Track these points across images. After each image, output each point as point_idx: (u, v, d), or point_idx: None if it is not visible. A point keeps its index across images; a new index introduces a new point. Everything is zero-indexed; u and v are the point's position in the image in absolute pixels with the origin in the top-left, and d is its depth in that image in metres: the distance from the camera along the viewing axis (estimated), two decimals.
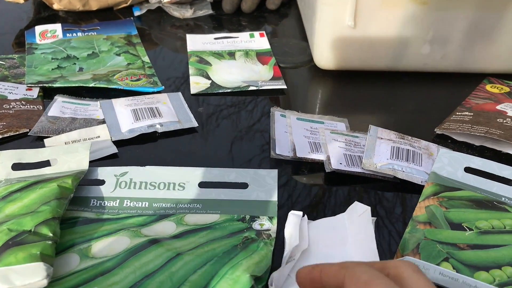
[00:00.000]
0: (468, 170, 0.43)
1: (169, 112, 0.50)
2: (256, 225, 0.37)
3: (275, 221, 0.37)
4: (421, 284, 0.24)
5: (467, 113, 0.51)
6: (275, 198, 0.40)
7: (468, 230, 0.37)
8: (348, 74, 0.59)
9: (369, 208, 0.36)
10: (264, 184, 0.40)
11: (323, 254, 0.35)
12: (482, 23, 0.55)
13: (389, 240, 0.39)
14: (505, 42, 0.56)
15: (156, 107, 0.50)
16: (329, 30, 0.56)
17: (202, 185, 0.41)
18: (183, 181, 0.41)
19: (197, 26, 0.72)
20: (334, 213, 0.40)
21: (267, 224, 0.37)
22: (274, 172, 0.41)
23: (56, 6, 0.71)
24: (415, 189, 0.43)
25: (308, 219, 0.38)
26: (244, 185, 0.40)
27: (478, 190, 0.41)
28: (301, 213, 0.38)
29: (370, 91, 0.57)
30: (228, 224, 0.37)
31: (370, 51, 0.57)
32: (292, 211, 0.38)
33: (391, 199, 0.42)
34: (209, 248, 0.34)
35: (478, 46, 0.57)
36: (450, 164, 0.43)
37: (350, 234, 0.36)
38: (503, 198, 0.40)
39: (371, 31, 0.55)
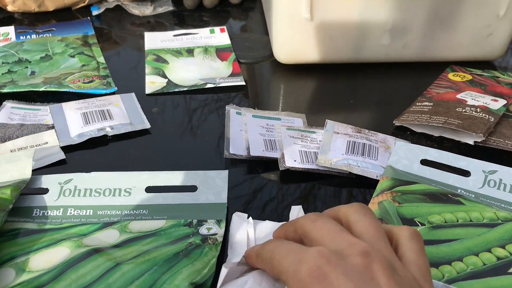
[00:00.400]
0: (424, 162, 0.42)
1: (120, 114, 0.48)
2: (203, 230, 0.35)
3: (223, 224, 0.36)
4: (365, 224, 0.26)
5: (427, 103, 0.50)
6: (224, 200, 0.38)
7: (420, 225, 0.35)
8: (309, 68, 0.58)
9: (300, 206, 0.37)
10: (213, 186, 0.39)
11: None
12: (442, 10, 0.54)
13: None
14: (466, 29, 0.55)
15: (107, 110, 0.48)
16: (286, 24, 0.54)
17: (149, 189, 0.39)
18: (129, 186, 0.39)
19: (158, 23, 0.70)
20: (288, 211, 0.38)
21: (214, 228, 0.36)
22: (225, 173, 0.40)
23: (10, 8, 0.68)
24: (372, 184, 0.41)
25: (260, 219, 0.37)
26: (193, 188, 0.39)
27: (433, 183, 0.40)
28: (245, 215, 0.37)
29: (332, 84, 0.56)
30: (174, 230, 0.36)
31: (329, 44, 0.55)
32: (236, 213, 0.37)
33: (347, 196, 0.41)
34: (150, 256, 0.32)
35: (439, 34, 0.56)
36: (406, 157, 0.42)
37: None
38: (458, 190, 0.39)
39: (329, 23, 0.54)
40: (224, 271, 0.28)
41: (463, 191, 0.39)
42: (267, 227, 0.35)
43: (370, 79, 0.57)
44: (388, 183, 0.39)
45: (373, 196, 0.39)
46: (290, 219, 0.37)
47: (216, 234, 0.35)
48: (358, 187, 0.42)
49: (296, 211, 0.36)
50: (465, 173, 0.41)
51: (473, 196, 0.39)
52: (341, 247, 0.24)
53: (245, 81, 0.55)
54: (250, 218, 0.36)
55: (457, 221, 0.36)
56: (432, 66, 0.58)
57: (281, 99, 0.54)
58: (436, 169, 0.41)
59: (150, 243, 0.34)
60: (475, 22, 0.55)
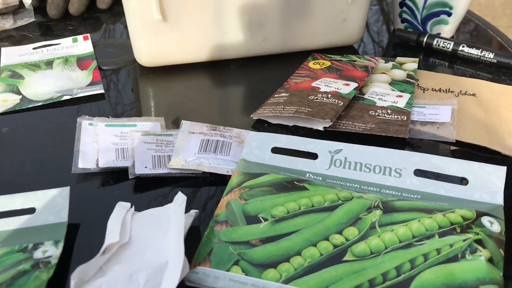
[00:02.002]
0: (277, 150, 0.42)
1: None
2: (38, 254, 0.34)
3: (61, 244, 0.35)
4: None
5: (283, 94, 0.50)
6: (65, 219, 0.37)
7: (263, 221, 0.35)
8: (173, 69, 0.57)
9: (185, 198, 0.35)
10: (54, 206, 0.37)
11: (142, 245, 0.34)
12: (294, 0, 0.55)
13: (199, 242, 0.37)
14: (321, 16, 0.57)
15: None
16: (141, 26, 0.53)
17: None
18: None
19: (22, 36, 0.67)
20: None
21: (50, 250, 0.34)
22: (66, 190, 0.38)
23: None
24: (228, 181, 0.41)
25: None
26: (31, 210, 0.37)
27: (283, 171, 0.40)
28: (128, 204, 0.37)
29: (196, 84, 0.56)
30: (6, 258, 0.33)
31: (189, 44, 0.55)
32: (120, 202, 0.36)
33: (201, 197, 0.41)
34: None
35: (296, 24, 0.57)
36: (258, 147, 0.42)
37: (172, 225, 0.35)
38: (307, 175, 0.40)
39: (184, 23, 0.53)
40: (72, 282, 0.29)
41: (311, 175, 0.40)
42: (147, 216, 0.36)
43: (234, 75, 0.57)
44: (238, 179, 0.39)
45: (223, 196, 0.38)
46: (173, 203, 0.36)
47: (51, 256, 0.33)
48: (214, 186, 0.42)
49: (181, 200, 0.35)
50: (314, 156, 0.41)
51: (320, 178, 0.39)
52: None
53: (106, 89, 0.53)
54: (133, 207, 0.37)
55: (300, 208, 0.36)
56: (296, 56, 0.59)
57: (143, 104, 0.53)
58: (287, 156, 0.41)
59: None
60: (328, 9, 0.56)
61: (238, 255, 0.33)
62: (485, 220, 0.34)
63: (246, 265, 0.32)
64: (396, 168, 0.39)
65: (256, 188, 0.38)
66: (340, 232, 0.34)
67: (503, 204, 0.36)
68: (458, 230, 0.33)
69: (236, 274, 0.32)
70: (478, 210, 0.35)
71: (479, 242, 0.32)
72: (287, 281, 0.31)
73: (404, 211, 0.35)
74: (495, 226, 0.34)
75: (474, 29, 0.68)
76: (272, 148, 0.42)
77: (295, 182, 0.38)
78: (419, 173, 0.41)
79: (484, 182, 0.37)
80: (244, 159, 0.41)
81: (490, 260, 0.31)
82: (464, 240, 0.32)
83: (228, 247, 0.33)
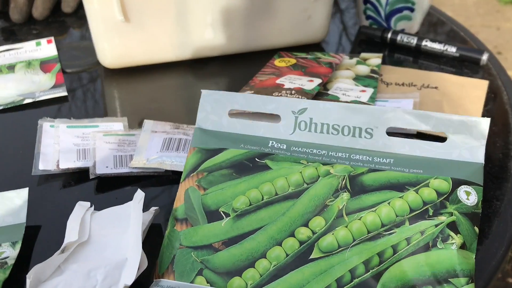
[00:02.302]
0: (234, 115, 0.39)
1: None
2: None
3: (18, 245, 0.34)
4: None
5: (248, 91, 0.51)
6: (23, 220, 0.36)
7: (225, 216, 0.33)
8: (138, 70, 0.57)
9: (143, 194, 0.34)
10: (12, 207, 0.37)
11: (101, 244, 0.33)
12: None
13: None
14: (285, 15, 0.57)
15: None
16: (103, 28, 0.52)
17: None
18: None
19: None
20: None
21: (7, 251, 0.33)
22: (24, 192, 0.37)
23: None
24: None
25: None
26: None
27: (243, 141, 0.36)
28: (88, 203, 0.36)
29: (161, 84, 0.55)
30: None
31: (152, 44, 0.55)
32: (79, 202, 0.36)
33: (163, 195, 0.41)
34: None
35: (260, 23, 0.57)
36: (213, 111, 0.37)
37: (131, 222, 0.34)
38: (270, 143, 0.36)
39: (147, 24, 0.53)
40: (27, 281, 0.29)
41: (274, 142, 0.36)
42: (106, 215, 0.36)
43: (200, 75, 0.57)
44: (194, 158, 0.36)
45: (180, 182, 0.35)
46: (133, 200, 0.35)
47: (8, 257, 0.33)
48: (177, 184, 0.41)
49: (140, 196, 0.35)
50: (276, 118, 0.38)
51: (285, 146, 0.36)
52: None
53: (70, 91, 0.53)
54: (92, 207, 0.36)
55: (262, 198, 0.33)
56: (262, 55, 0.59)
57: (108, 105, 0.52)
58: (247, 120, 0.37)
59: None
60: (292, 7, 0.57)
61: (201, 263, 0.31)
62: (461, 192, 0.32)
63: (210, 274, 0.31)
64: (367, 128, 0.35)
65: (215, 171, 0.35)
66: (306, 224, 0.32)
67: (483, 162, 0.33)
68: (431, 212, 0.31)
69: (201, 286, 0.30)
70: (455, 178, 0.33)
71: (452, 225, 0.31)
72: None
73: (373, 191, 0.33)
74: (472, 198, 0.32)
75: (449, 30, 0.69)
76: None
77: (256, 160, 0.35)
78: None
79: (464, 137, 0.34)
80: (200, 127, 0.37)
81: (462, 246, 0.30)
82: (436, 226, 0.31)
83: (191, 254, 0.32)
